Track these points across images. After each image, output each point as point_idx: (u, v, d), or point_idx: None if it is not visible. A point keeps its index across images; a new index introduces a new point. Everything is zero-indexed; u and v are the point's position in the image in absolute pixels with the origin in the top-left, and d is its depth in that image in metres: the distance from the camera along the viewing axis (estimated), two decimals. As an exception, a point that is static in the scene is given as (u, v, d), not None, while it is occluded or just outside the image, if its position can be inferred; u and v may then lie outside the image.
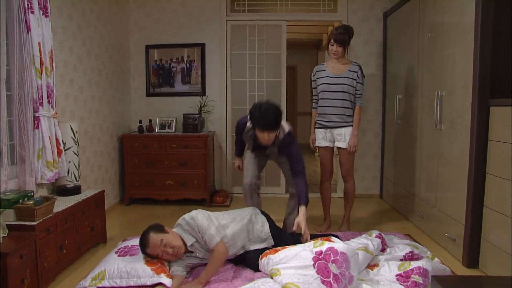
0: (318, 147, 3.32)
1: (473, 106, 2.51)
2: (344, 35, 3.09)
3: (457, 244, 2.73)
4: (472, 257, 2.58)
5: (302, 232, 2.44)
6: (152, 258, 2.15)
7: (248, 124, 2.62)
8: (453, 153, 2.84)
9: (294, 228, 2.46)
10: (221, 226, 2.25)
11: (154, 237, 2.11)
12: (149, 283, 2.05)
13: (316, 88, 3.29)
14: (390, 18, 4.28)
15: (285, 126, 2.62)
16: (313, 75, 3.32)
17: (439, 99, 2.98)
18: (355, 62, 3.20)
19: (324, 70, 3.23)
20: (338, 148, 3.23)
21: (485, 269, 2.49)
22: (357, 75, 3.13)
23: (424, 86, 3.35)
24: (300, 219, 2.45)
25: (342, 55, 3.17)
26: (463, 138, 2.66)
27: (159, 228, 2.18)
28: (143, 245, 2.15)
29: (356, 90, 3.15)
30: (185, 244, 2.18)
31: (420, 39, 3.41)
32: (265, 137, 2.44)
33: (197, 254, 2.22)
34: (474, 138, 2.50)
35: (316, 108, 3.32)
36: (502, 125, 2.34)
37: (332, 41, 3.12)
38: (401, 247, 2.43)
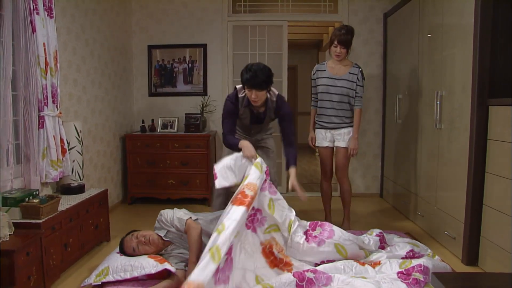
0: (319, 147, 3.34)
1: (473, 106, 2.54)
2: (347, 36, 3.07)
3: (457, 242, 2.76)
4: (471, 255, 2.60)
5: (298, 192, 2.56)
6: (131, 256, 2.32)
7: (241, 94, 2.72)
8: (452, 152, 2.87)
9: (290, 188, 2.57)
10: (191, 213, 2.42)
11: (127, 236, 2.42)
12: (153, 271, 2.14)
13: (316, 87, 3.29)
14: (390, 19, 4.31)
15: (275, 90, 2.78)
16: (313, 74, 3.32)
17: (439, 99, 3.01)
18: (355, 64, 3.19)
19: (325, 70, 3.23)
20: (337, 147, 3.25)
21: (484, 266, 2.52)
22: (357, 78, 3.13)
23: (424, 86, 3.38)
24: (292, 180, 2.58)
25: (345, 56, 3.17)
26: (462, 137, 2.69)
27: (133, 231, 2.46)
28: (121, 246, 2.41)
29: (356, 92, 3.15)
30: (161, 238, 2.38)
31: (420, 40, 3.44)
32: (253, 95, 2.56)
33: (175, 242, 2.39)
34: (474, 137, 2.53)
35: (315, 106, 3.34)
36: (501, 125, 2.37)
37: (335, 42, 3.10)
38: (402, 245, 2.47)
